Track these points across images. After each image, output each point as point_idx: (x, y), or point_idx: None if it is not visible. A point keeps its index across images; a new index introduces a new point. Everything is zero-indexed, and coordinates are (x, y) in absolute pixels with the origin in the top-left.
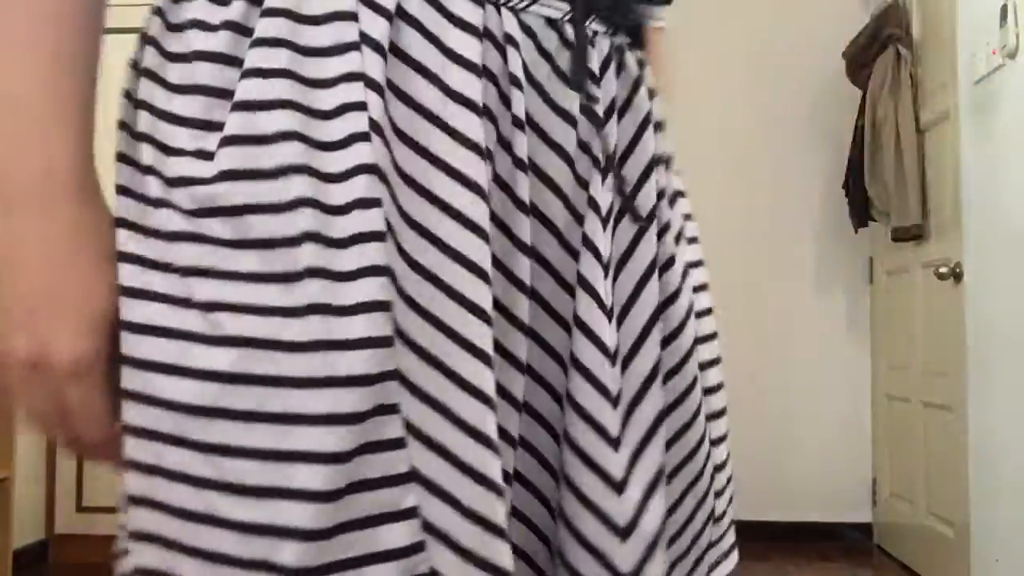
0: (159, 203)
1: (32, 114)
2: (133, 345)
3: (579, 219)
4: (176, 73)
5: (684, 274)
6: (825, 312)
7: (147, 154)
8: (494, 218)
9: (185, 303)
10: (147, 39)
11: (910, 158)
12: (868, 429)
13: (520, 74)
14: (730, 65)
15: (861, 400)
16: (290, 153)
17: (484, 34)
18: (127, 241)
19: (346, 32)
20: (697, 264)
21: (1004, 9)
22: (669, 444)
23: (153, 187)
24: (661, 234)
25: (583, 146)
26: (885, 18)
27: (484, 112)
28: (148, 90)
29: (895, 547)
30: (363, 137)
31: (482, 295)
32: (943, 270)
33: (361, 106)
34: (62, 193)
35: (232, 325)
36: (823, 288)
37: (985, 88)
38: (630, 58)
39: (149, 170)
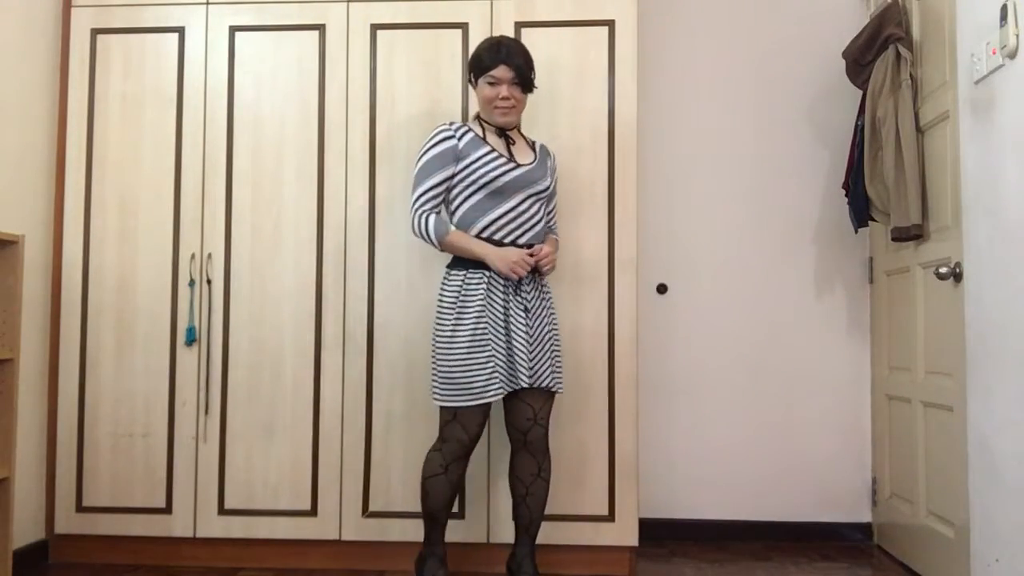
0: None
1: (475, 250)
2: None
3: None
4: None
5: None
6: (825, 312)
7: None
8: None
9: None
10: None
11: (910, 158)
12: (868, 429)
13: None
14: (730, 65)
15: (861, 400)
16: None
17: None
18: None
19: None
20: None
21: (1004, 9)
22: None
23: None
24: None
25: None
26: (885, 18)
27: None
28: None
29: (895, 547)
30: None
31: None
32: (943, 270)
33: None
34: (484, 251)
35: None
36: (823, 288)
37: (985, 88)
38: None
39: None
